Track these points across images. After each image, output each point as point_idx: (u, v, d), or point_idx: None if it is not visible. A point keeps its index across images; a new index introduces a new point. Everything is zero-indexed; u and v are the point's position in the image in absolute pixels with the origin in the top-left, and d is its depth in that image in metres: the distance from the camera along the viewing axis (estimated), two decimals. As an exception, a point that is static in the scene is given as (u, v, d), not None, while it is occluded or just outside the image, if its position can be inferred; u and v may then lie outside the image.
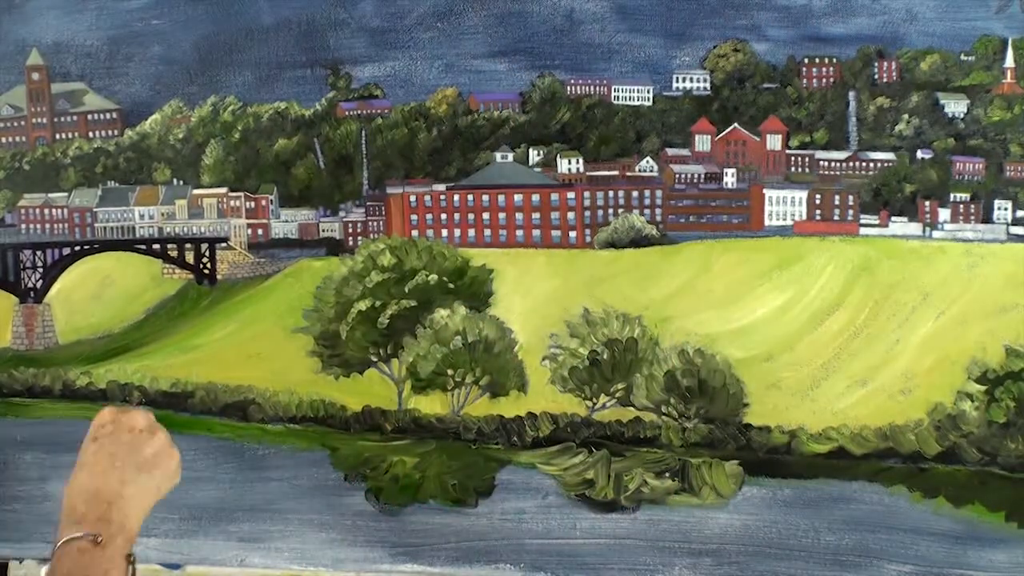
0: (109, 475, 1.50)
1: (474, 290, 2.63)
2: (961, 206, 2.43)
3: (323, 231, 2.80)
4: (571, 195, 2.65)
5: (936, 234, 2.45)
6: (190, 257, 2.88)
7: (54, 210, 2.95)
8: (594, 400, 2.55)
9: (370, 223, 2.75)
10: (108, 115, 2.88)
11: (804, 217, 2.55)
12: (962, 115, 2.41)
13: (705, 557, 2.45)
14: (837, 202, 2.53)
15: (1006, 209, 2.40)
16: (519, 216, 2.70)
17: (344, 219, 2.78)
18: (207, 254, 2.88)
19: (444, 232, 2.70)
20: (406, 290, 2.62)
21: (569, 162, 2.64)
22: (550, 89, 2.60)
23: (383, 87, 2.67)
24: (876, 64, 2.45)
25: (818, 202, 2.54)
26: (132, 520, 1.49)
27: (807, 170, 2.56)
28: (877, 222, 2.50)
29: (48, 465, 2.80)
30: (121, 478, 1.51)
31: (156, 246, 2.91)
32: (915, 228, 2.47)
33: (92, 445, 1.54)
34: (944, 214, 2.45)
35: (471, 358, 2.59)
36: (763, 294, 2.47)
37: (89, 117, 2.90)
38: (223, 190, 2.83)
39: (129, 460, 1.53)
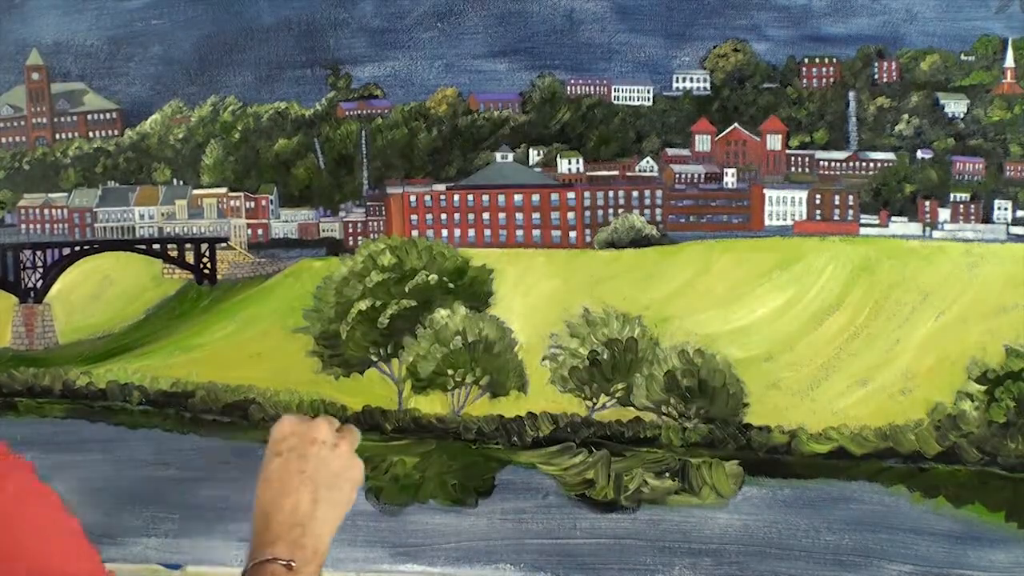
0: (301, 494, 1.39)
1: (474, 290, 2.62)
2: (961, 206, 2.43)
3: (323, 231, 2.80)
4: (571, 195, 2.65)
5: (936, 234, 2.45)
6: (190, 257, 2.88)
7: (54, 210, 2.94)
8: (594, 400, 2.54)
9: (370, 223, 2.74)
10: (108, 115, 2.87)
11: (804, 217, 2.55)
12: (962, 115, 2.41)
13: (705, 557, 2.44)
14: (837, 202, 2.53)
15: (1006, 209, 2.40)
16: (519, 216, 2.69)
17: (344, 219, 2.78)
18: (207, 254, 2.88)
19: (444, 232, 2.70)
20: (406, 290, 2.62)
21: (569, 162, 2.64)
22: (550, 89, 2.59)
23: (383, 87, 2.67)
24: (876, 64, 2.45)
25: (818, 202, 2.54)
26: (323, 543, 1.41)
27: (807, 170, 2.55)
28: (877, 222, 2.50)
29: (48, 465, 2.79)
30: (313, 497, 1.40)
31: (156, 246, 2.91)
32: (915, 228, 2.47)
33: (275, 460, 1.41)
34: (944, 214, 2.45)
35: (471, 358, 2.58)
36: (763, 294, 2.47)
37: (89, 117, 2.90)
38: (223, 190, 2.83)
39: (318, 477, 1.42)
